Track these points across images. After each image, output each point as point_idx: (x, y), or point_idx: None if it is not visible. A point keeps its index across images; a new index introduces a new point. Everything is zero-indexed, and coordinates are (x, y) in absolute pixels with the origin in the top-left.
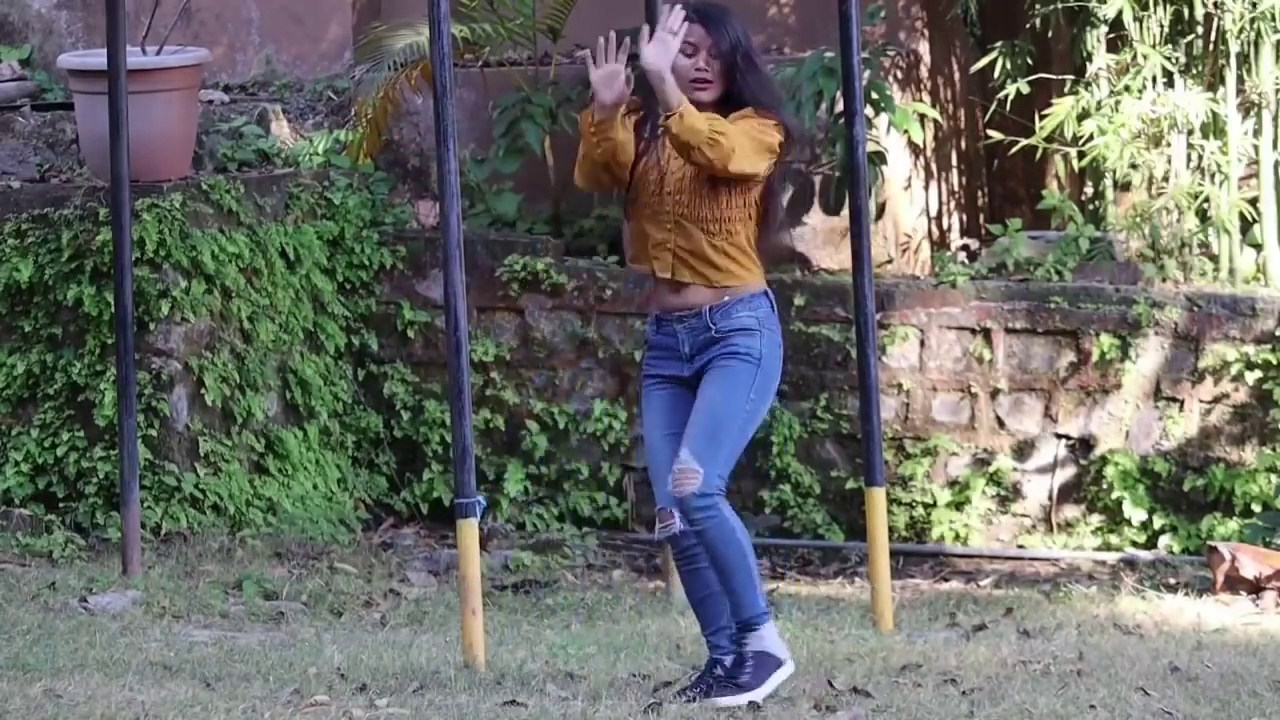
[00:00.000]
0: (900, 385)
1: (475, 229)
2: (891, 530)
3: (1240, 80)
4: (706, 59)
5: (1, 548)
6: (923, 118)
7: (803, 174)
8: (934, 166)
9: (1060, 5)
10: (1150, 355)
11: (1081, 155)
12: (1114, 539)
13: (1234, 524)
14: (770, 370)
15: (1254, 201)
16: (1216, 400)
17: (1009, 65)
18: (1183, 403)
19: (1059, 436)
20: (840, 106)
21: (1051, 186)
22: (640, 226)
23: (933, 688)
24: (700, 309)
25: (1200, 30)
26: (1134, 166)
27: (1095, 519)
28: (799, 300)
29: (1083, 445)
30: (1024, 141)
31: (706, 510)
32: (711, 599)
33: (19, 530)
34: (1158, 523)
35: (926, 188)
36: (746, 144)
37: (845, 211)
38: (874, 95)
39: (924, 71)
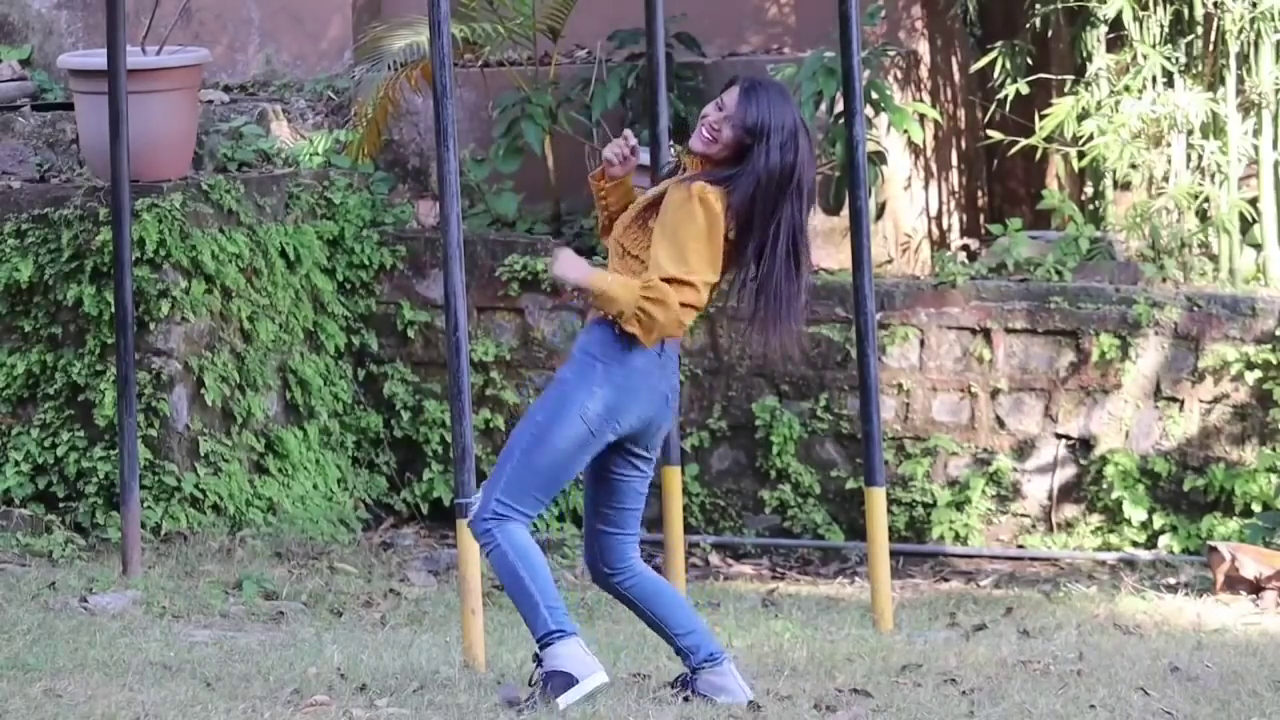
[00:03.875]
0: (900, 385)
1: (475, 229)
2: (891, 530)
3: (1240, 80)
4: (721, 120)
5: (1, 548)
6: (922, 118)
7: None
8: (934, 166)
9: (1060, 5)
10: (1150, 355)
11: (1081, 155)
12: (1114, 539)
13: (1234, 524)
14: (566, 393)
15: (1254, 201)
16: (1216, 400)
17: (1009, 65)
18: (1183, 403)
19: (1059, 436)
20: (840, 106)
21: (1051, 186)
22: None
23: (933, 688)
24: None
25: (1200, 30)
26: (1134, 166)
27: (1095, 519)
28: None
29: (1083, 445)
30: (1024, 141)
31: (480, 538)
32: (656, 625)
33: (19, 530)
34: (1158, 523)
35: (926, 188)
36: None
37: (845, 211)
38: (874, 95)
39: (924, 71)
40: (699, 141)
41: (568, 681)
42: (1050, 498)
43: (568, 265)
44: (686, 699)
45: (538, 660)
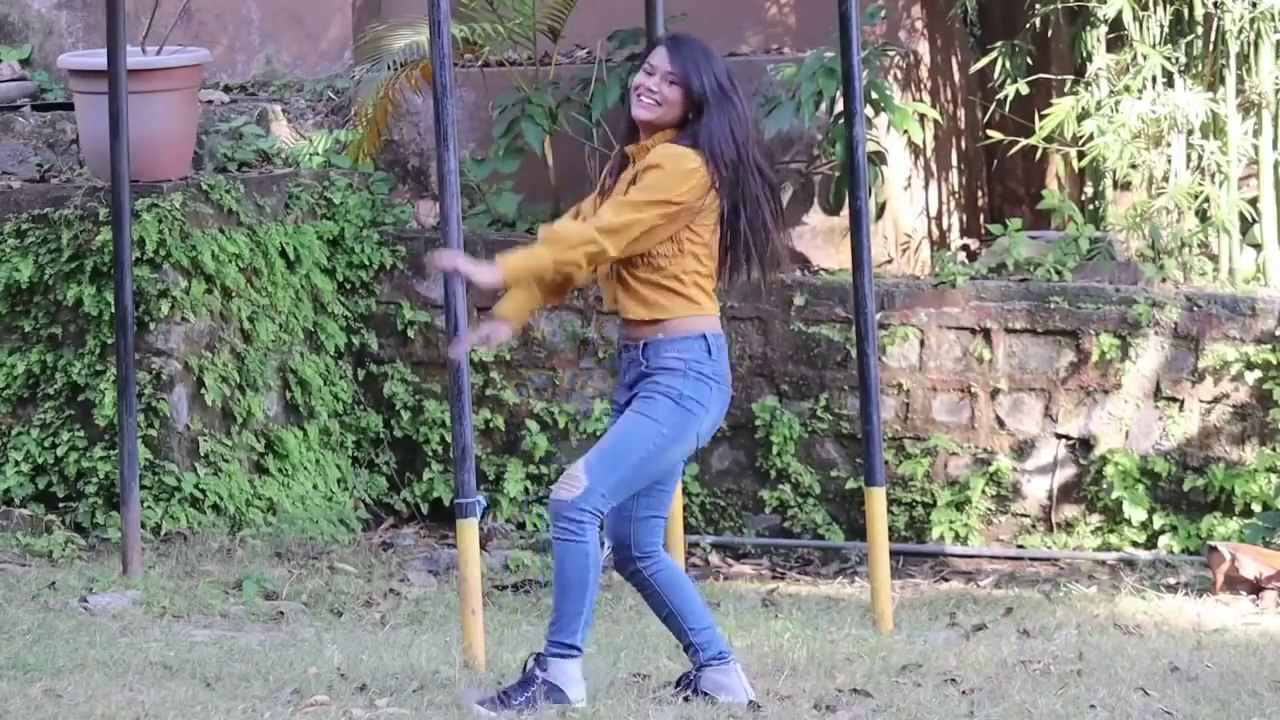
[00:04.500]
0: (900, 385)
1: (475, 229)
2: (891, 530)
3: (1240, 80)
4: (658, 82)
5: (1, 548)
6: (922, 118)
7: (803, 174)
8: (934, 166)
9: (1060, 5)
10: (1150, 355)
11: (1081, 155)
12: (1114, 539)
13: (1234, 524)
14: (691, 410)
15: (1254, 201)
16: (1216, 400)
17: (1009, 65)
18: (1183, 403)
19: (1059, 436)
20: (840, 106)
21: (1051, 186)
22: None
23: (933, 688)
24: (638, 343)
25: (1200, 30)
26: (1134, 166)
27: (1095, 519)
28: (799, 300)
29: (1083, 445)
30: (1024, 141)
31: (572, 526)
32: (672, 617)
33: (19, 530)
34: (1158, 523)
35: (926, 188)
36: (614, 222)
37: (845, 211)
38: (874, 95)
39: (924, 71)
40: (641, 110)
41: (562, 699)
42: (1050, 498)
43: (450, 261)
44: (687, 699)
45: (539, 661)
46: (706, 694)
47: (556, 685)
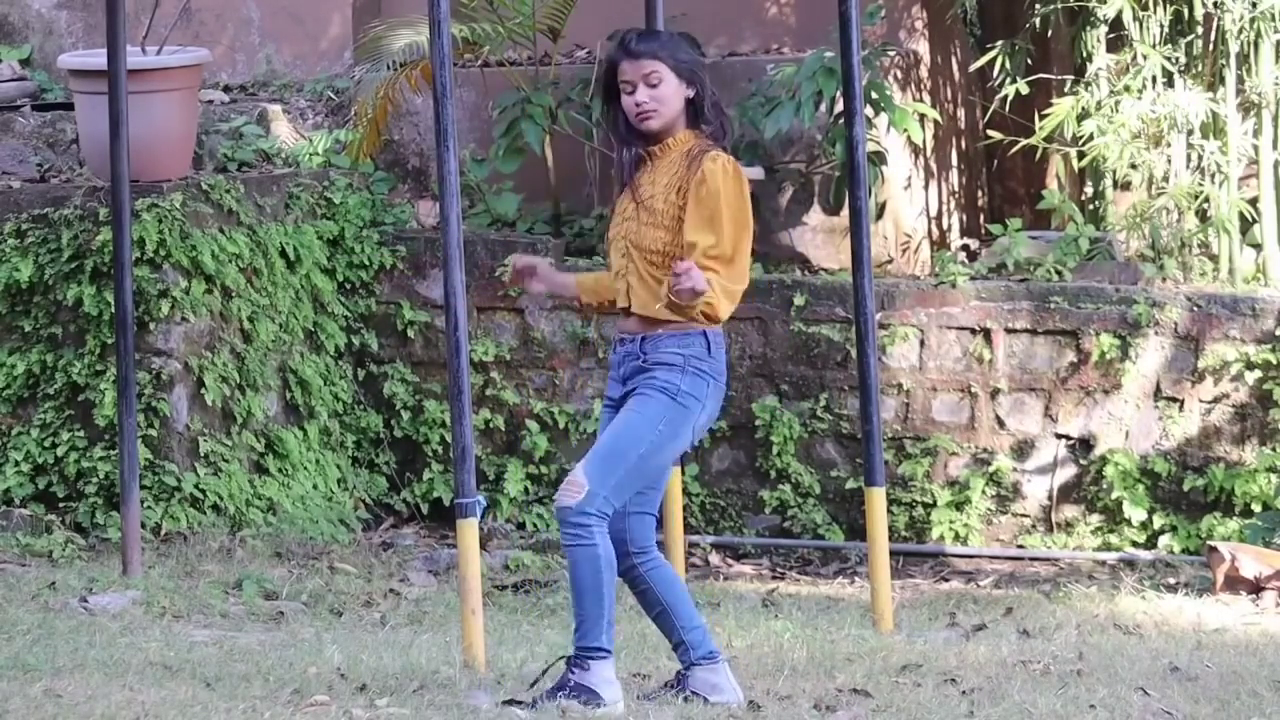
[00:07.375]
0: (900, 385)
1: (475, 229)
2: (891, 530)
3: (1240, 80)
4: (646, 91)
5: (1, 548)
6: (922, 117)
7: (803, 174)
8: (934, 166)
9: (1060, 5)
10: (1150, 355)
11: (1081, 155)
12: (1114, 539)
13: (1234, 524)
14: (687, 405)
15: (1254, 201)
16: (1216, 400)
17: (1009, 65)
18: (1183, 403)
19: (1059, 436)
20: (840, 106)
21: (1051, 186)
22: (608, 250)
23: (933, 688)
24: (637, 337)
25: (1200, 30)
26: (1134, 166)
27: (1095, 519)
28: (799, 300)
29: (1083, 445)
30: (1024, 141)
31: (579, 530)
32: (663, 615)
33: (19, 530)
34: (1158, 523)
35: (926, 188)
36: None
37: (845, 211)
38: (874, 95)
39: (924, 71)
40: (652, 124)
41: (596, 701)
42: (1050, 498)
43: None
44: (687, 699)
45: (570, 665)
46: (697, 694)
47: (588, 686)
